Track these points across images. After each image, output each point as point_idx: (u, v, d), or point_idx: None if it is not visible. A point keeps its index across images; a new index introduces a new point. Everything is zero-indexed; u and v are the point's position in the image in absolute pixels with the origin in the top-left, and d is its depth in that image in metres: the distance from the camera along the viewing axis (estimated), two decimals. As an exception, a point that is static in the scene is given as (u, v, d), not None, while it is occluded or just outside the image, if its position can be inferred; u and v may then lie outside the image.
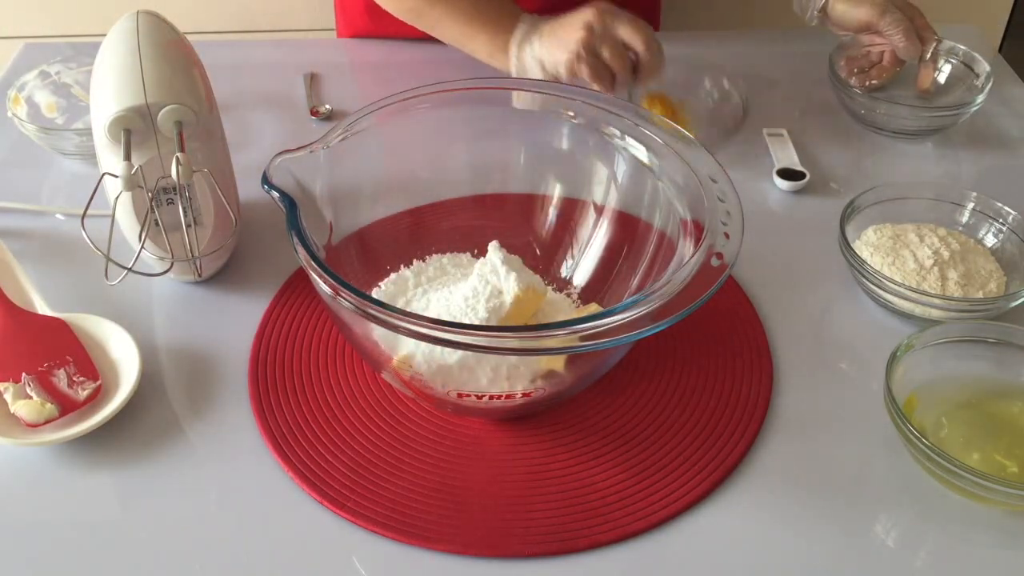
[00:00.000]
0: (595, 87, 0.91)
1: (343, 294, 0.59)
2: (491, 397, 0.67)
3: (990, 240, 0.85)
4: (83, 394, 0.71)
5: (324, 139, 0.71)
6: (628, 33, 0.92)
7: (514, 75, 0.97)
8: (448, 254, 0.81)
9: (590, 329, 0.57)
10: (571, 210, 0.81)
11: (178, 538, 0.64)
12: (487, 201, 0.83)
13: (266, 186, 0.66)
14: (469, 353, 0.65)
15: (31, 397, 0.70)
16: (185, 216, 0.76)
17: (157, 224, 0.76)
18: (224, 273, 0.85)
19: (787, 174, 0.96)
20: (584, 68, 0.90)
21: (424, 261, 0.80)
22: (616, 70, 0.92)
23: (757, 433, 0.71)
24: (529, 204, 0.82)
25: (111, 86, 0.74)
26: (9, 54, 1.16)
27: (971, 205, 0.86)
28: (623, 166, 0.76)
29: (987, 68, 1.02)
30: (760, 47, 1.19)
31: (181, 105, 0.74)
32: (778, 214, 0.93)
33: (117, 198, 0.76)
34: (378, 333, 0.66)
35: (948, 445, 0.68)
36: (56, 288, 0.82)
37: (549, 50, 0.93)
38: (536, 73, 0.95)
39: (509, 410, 0.71)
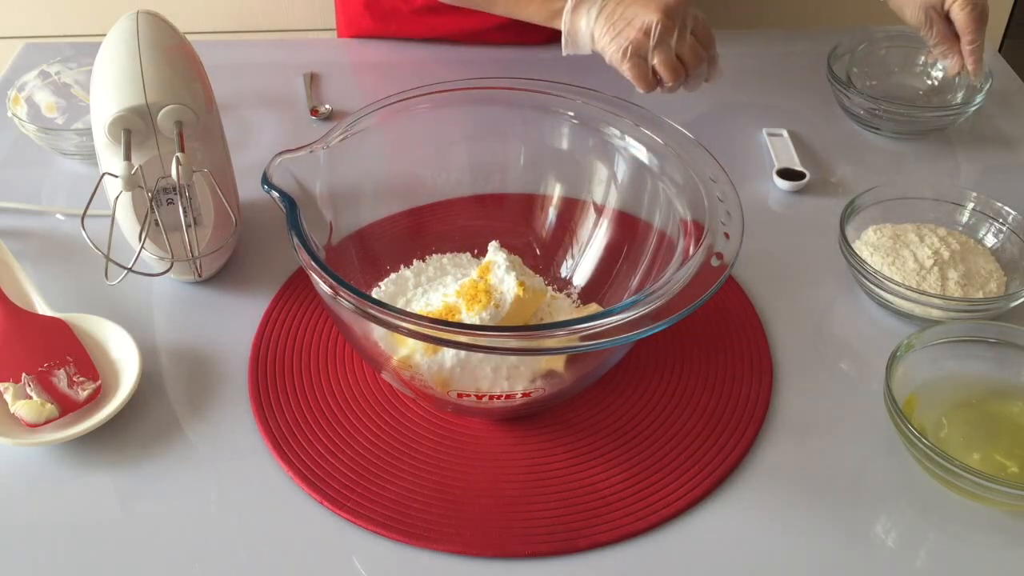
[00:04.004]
0: (636, 85, 0.87)
1: (343, 294, 0.59)
2: (491, 397, 0.67)
3: (990, 240, 0.85)
4: (83, 394, 0.71)
5: (324, 139, 0.72)
6: (703, 30, 0.86)
7: (564, 41, 0.91)
8: (448, 254, 0.81)
9: (590, 329, 0.57)
10: (571, 210, 0.81)
11: (178, 538, 0.64)
12: (487, 201, 0.83)
13: (266, 186, 0.66)
14: (469, 353, 0.65)
15: (31, 397, 0.70)
16: (185, 216, 0.76)
17: (157, 224, 0.76)
18: (224, 273, 0.85)
19: (787, 174, 0.96)
20: (657, 56, 0.83)
21: (424, 261, 0.80)
22: (689, 66, 0.86)
23: (757, 433, 0.71)
24: (529, 204, 0.82)
25: (111, 86, 0.74)
26: (9, 54, 1.16)
27: (971, 205, 0.86)
28: (623, 166, 0.76)
29: (986, 68, 1.02)
30: (760, 47, 1.19)
31: (181, 105, 0.74)
32: (778, 214, 0.93)
33: (117, 198, 0.76)
34: (378, 333, 0.66)
35: (948, 445, 0.68)
36: (56, 288, 0.82)
37: (608, 23, 0.86)
38: (585, 43, 0.89)
39: (509, 410, 0.71)
